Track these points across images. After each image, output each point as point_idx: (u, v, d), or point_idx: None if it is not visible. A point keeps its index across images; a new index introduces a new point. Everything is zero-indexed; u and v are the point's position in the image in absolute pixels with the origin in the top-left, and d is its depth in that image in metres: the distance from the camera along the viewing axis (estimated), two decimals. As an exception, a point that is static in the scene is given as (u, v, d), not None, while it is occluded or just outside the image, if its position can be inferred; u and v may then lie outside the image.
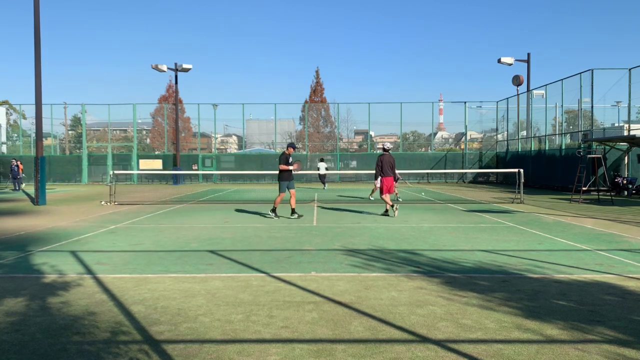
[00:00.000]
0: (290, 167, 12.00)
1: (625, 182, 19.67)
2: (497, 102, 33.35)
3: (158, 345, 3.79)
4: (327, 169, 25.67)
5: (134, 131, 34.90)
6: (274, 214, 12.16)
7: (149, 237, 9.24)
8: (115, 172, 18.30)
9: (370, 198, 17.67)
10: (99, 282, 5.78)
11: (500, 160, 31.92)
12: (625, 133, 21.11)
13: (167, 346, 3.77)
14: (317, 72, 46.31)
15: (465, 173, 32.51)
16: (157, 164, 32.70)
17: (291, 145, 12.33)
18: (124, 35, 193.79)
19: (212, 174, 32.54)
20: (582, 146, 21.07)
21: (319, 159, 27.78)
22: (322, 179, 25.61)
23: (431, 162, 32.48)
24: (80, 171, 33.00)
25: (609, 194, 17.90)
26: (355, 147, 43.08)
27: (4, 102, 46.11)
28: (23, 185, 26.19)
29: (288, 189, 12.14)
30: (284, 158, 11.97)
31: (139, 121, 38.87)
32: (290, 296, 5.15)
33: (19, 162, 24.99)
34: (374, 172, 17.64)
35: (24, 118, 36.44)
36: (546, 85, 26.26)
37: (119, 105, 41.38)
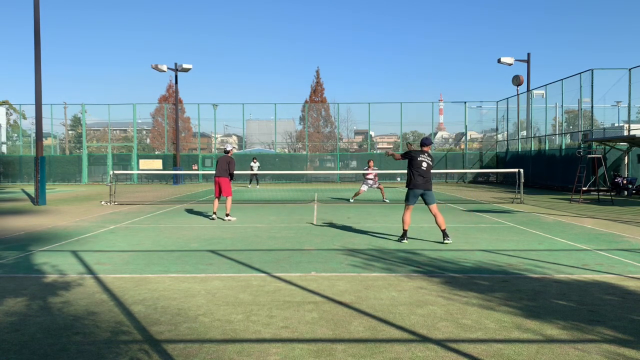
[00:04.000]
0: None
1: (625, 182, 19.67)
2: (497, 102, 33.36)
3: (158, 345, 3.79)
4: (259, 168, 27.37)
5: (134, 131, 34.90)
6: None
7: (149, 237, 9.24)
8: (115, 172, 18.30)
9: (351, 200, 17.39)
10: (99, 282, 5.78)
11: (500, 160, 31.91)
12: (625, 133, 21.11)
13: (167, 346, 3.78)
14: (317, 72, 46.38)
15: (466, 173, 32.51)
16: (157, 164, 32.70)
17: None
18: (124, 35, 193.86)
19: (212, 174, 32.50)
20: (582, 146, 21.07)
21: (252, 158, 28.86)
22: (254, 177, 27.82)
23: (431, 162, 32.45)
24: (80, 171, 33.00)
25: (609, 194, 17.90)
26: (355, 147, 43.11)
27: (4, 102, 46.11)
28: None
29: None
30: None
31: (139, 121, 38.92)
32: (290, 296, 5.16)
33: None
34: (373, 171, 17.74)
35: (24, 118, 36.44)
36: (546, 85, 26.26)
37: (119, 105, 41.60)
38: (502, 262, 6.80)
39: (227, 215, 11.83)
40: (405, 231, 8.54)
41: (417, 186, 8.42)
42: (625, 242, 8.43)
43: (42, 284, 5.69)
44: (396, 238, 8.92)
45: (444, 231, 8.32)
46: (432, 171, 8.68)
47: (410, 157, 8.55)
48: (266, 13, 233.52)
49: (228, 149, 12.54)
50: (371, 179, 17.09)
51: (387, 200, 17.08)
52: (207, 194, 21.61)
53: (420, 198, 8.55)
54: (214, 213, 12.22)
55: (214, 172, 12.70)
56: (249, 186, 27.24)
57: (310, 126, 38.63)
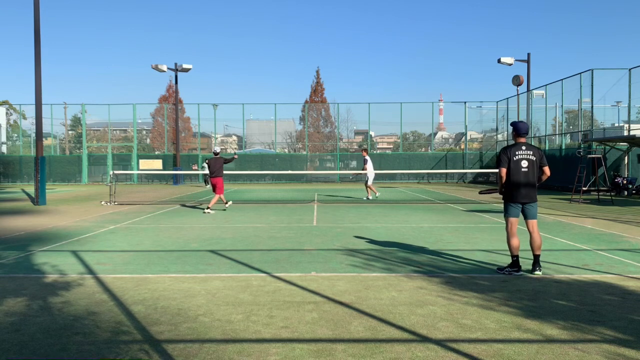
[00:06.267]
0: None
1: (625, 182, 19.67)
2: (497, 102, 33.37)
3: (158, 345, 3.79)
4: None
5: (134, 131, 34.90)
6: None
7: (149, 237, 9.24)
8: (115, 172, 18.31)
9: (370, 197, 17.93)
10: (100, 282, 5.78)
11: (500, 160, 31.88)
12: (625, 133, 21.12)
13: (167, 346, 3.78)
14: (317, 72, 46.34)
15: (466, 173, 32.52)
16: (157, 164, 32.70)
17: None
18: (124, 35, 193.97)
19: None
20: (582, 146, 21.07)
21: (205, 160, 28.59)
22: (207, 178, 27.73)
23: (431, 162, 32.47)
24: (80, 171, 33.00)
25: (609, 194, 17.89)
26: (355, 147, 43.10)
27: (4, 102, 46.12)
28: None
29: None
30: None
31: (139, 121, 38.92)
32: (291, 296, 5.16)
33: None
34: (374, 171, 17.93)
35: (24, 118, 36.48)
36: (546, 85, 26.29)
37: (119, 105, 41.61)
38: (502, 262, 6.79)
39: (208, 207, 13.40)
40: (515, 258, 6.14)
41: (519, 197, 6.11)
42: (625, 242, 8.43)
43: (42, 284, 5.69)
44: (396, 238, 8.90)
45: (536, 257, 6.19)
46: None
47: (505, 158, 6.14)
48: (266, 13, 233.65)
49: (217, 150, 14.18)
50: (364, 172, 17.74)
51: (366, 199, 17.74)
52: (207, 194, 21.62)
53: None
54: (208, 208, 13.48)
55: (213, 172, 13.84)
56: (207, 186, 27.50)
57: (310, 126, 38.62)
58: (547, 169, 6.23)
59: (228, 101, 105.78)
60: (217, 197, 13.69)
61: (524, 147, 6.13)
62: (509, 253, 7.22)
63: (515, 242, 6.15)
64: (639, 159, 20.72)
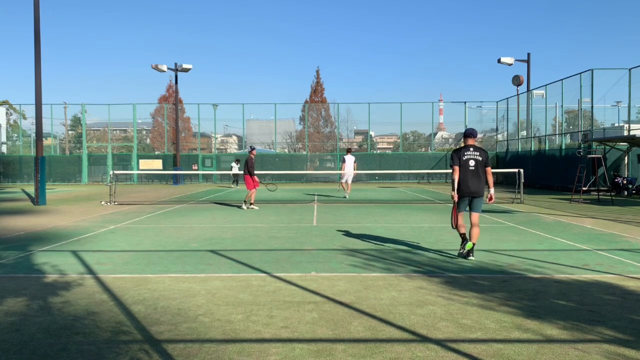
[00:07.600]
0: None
1: (625, 182, 19.67)
2: (497, 102, 33.34)
3: (158, 345, 3.79)
4: (239, 169, 27.34)
5: (134, 131, 34.89)
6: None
7: (149, 237, 9.24)
8: (115, 172, 18.31)
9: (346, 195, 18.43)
10: (100, 282, 5.78)
11: (500, 160, 31.91)
12: (625, 133, 21.12)
13: (167, 346, 3.78)
14: (317, 72, 46.39)
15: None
16: (157, 164, 32.69)
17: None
18: (123, 35, 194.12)
19: (212, 174, 32.54)
20: (582, 146, 21.07)
21: (235, 159, 28.97)
22: (235, 178, 27.90)
23: (431, 162, 32.45)
24: (80, 171, 33.00)
25: (609, 194, 17.89)
26: (355, 147, 43.10)
27: (4, 102, 46.13)
28: None
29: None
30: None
31: (139, 121, 38.89)
32: (291, 296, 5.16)
33: None
34: (374, 171, 18.03)
35: (24, 118, 36.47)
36: (546, 85, 26.25)
37: (119, 105, 41.47)
38: (502, 262, 6.80)
39: (251, 204, 14.54)
40: (463, 234, 7.15)
41: (467, 191, 7.03)
42: (625, 242, 8.43)
43: (42, 284, 5.69)
44: (396, 238, 8.91)
45: (472, 245, 6.95)
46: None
47: (456, 158, 7.07)
48: (266, 13, 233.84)
49: (248, 150, 14.93)
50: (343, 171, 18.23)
51: (342, 196, 18.42)
52: (207, 194, 21.63)
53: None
54: (251, 203, 14.63)
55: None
56: (233, 186, 27.33)
57: (310, 126, 38.63)
58: (488, 169, 7.13)
59: (228, 101, 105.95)
60: (251, 192, 14.40)
61: (471, 149, 7.08)
62: (509, 253, 7.42)
63: (462, 221, 7.17)
64: (639, 159, 20.72)
